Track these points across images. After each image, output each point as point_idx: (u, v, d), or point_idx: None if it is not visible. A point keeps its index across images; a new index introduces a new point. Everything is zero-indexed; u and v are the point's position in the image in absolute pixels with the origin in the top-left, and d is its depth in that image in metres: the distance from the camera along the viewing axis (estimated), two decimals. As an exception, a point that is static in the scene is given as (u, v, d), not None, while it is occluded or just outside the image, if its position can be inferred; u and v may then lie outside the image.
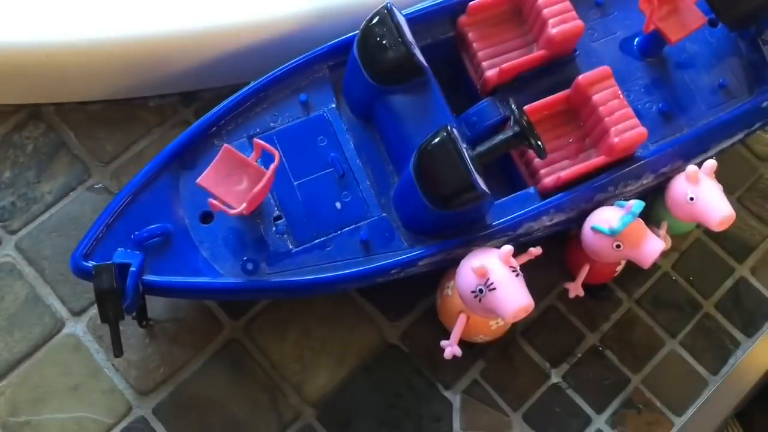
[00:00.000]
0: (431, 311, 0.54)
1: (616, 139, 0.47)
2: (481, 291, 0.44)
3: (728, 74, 0.54)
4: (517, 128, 0.43)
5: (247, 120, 0.51)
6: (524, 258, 0.47)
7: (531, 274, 0.47)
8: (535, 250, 0.47)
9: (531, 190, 0.49)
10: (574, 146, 0.50)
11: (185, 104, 0.59)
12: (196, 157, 0.50)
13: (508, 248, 0.44)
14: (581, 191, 0.49)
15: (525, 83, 0.51)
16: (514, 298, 0.43)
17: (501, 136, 0.44)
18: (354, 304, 0.54)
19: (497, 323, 0.48)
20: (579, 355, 0.54)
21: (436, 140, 0.45)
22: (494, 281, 0.43)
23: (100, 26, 0.54)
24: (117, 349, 0.45)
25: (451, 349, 0.47)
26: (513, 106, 0.44)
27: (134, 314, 0.48)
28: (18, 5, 0.54)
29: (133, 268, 0.45)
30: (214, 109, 0.50)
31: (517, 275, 0.44)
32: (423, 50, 0.50)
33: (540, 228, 0.49)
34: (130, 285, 0.45)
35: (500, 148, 0.44)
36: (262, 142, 0.46)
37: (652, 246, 0.47)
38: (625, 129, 0.47)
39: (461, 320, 0.48)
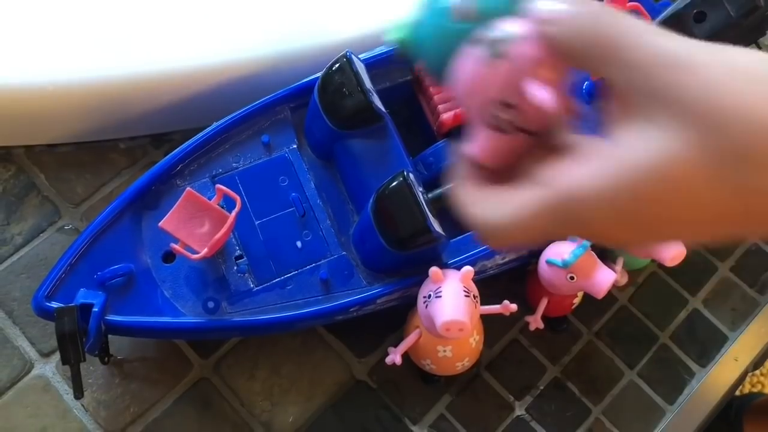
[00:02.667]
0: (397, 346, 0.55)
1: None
2: (429, 296, 0.45)
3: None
4: None
5: (210, 160, 0.52)
6: (498, 309, 0.49)
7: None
8: (511, 306, 0.49)
9: (484, 229, 0.51)
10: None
11: (155, 146, 0.60)
12: (158, 197, 0.51)
13: (468, 269, 0.45)
14: (531, 230, 0.50)
15: (479, 125, 0.52)
16: (449, 310, 0.43)
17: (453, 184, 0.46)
18: (322, 341, 0.55)
19: (444, 352, 0.48)
20: (542, 387, 0.55)
21: (394, 185, 0.46)
22: (442, 290, 0.45)
23: (71, 69, 0.55)
24: (78, 391, 0.46)
25: (393, 356, 0.48)
26: None
27: (96, 352, 0.49)
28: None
29: (95, 309, 0.46)
30: (177, 150, 0.51)
31: (468, 297, 0.45)
32: (381, 93, 0.51)
33: (493, 266, 0.51)
34: (93, 325, 0.45)
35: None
36: (224, 187, 0.47)
37: (604, 276, 0.49)
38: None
39: (415, 333, 0.49)
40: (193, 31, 0.57)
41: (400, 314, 0.52)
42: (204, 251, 0.45)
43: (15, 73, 0.54)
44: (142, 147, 0.60)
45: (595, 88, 0.55)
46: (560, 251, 0.49)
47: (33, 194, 0.58)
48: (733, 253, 0.61)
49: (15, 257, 0.55)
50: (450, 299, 0.44)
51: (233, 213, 0.46)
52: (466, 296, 0.44)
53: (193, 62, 0.56)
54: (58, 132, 0.59)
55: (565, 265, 0.48)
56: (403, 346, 0.49)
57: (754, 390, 1.28)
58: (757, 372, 1.23)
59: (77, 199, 0.58)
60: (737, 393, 1.08)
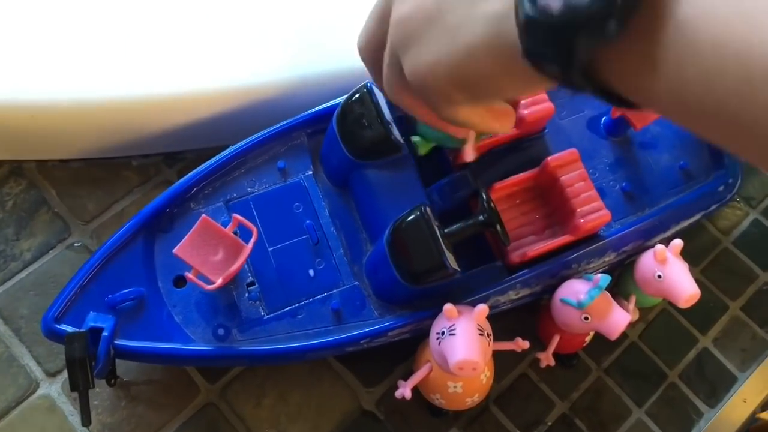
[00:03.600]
0: (406, 378, 0.54)
1: (582, 221, 0.48)
2: (443, 333, 0.45)
3: (688, 157, 0.56)
4: (484, 215, 0.44)
5: (225, 184, 0.52)
6: (510, 346, 0.49)
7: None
8: (524, 344, 0.49)
9: (498, 263, 0.50)
10: (541, 222, 0.51)
11: (168, 164, 0.60)
12: (172, 220, 0.50)
13: (483, 308, 0.45)
14: (546, 268, 0.50)
15: (496, 158, 0.52)
16: (463, 349, 0.43)
17: (469, 221, 0.46)
18: (330, 369, 0.54)
19: (455, 388, 0.48)
20: (549, 423, 0.55)
21: (411, 218, 0.46)
22: (456, 328, 0.44)
23: (87, 86, 0.55)
24: (86, 418, 0.45)
25: (402, 390, 0.48)
26: (483, 194, 0.45)
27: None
28: (2, 64, 0.54)
29: (105, 333, 0.45)
30: (192, 173, 0.51)
31: (482, 335, 0.45)
32: (400, 121, 0.51)
33: (506, 301, 0.50)
34: (102, 350, 0.45)
35: (468, 231, 0.46)
36: (240, 218, 0.47)
37: (619, 318, 0.48)
38: (591, 211, 0.48)
39: (425, 368, 0.49)
40: (212, 53, 0.57)
41: (409, 345, 0.52)
42: (218, 282, 0.45)
43: (31, 89, 0.54)
44: (154, 165, 0.60)
45: (613, 124, 0.55)
46: (575, 290, 0.49)
47: (43, 210, 0.57)
48: (745, 292, 0.61)
49: (23, 273, 0.55)
50: (464, 338, 0.44)
51: (250, 243, 0.45)
52: (480, 335, 0.44)
53: (210, 84, 0.56)
54: (71, 148, 0.58)
55: (581, 306, 0.48)
56: (414, 380, 0.49)
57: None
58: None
59: (88, 216, 0.57)
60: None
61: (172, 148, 0.60)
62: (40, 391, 0.52)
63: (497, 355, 0.51)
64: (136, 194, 0.58)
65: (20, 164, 0.58)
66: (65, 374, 0.51)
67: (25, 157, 0.59)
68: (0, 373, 0.52)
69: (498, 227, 0.45)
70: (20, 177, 0.58)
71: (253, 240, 0.45)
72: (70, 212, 0.57)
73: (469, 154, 0.45)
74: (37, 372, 0.52)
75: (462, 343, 0.43)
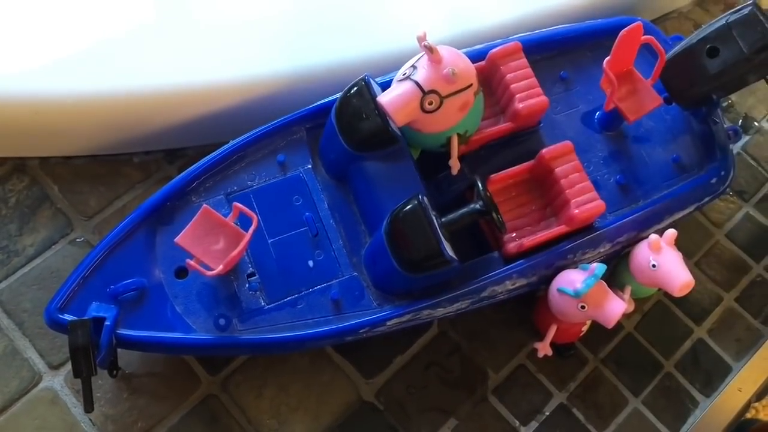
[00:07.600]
0: (406, 368, 0.55)
1: (576, 211, 0.49)
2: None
3: (681, 150, 0.57)
4: (480, 204, 0.45)
5: (225, 178, 0.52)
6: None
7: (501, 333, 0.47)
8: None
9: (495, 254, 0.51)
10: (537, 214, 0.52)
11: (169, 161, 0.60)
12: (173, 213, 0.51)
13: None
14: (542, 258, 0.50)
15: (492, 152, 0.53)
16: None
17: (466, 210, 0.47)
18: (330, 361, 0.55)
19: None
20: (547, 413, 0.56)
21: (408, 208, 0.47)
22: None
23: (89, 83, 0.55)
24: (88, 404, 0.46)
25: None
26: (478, 183, 0.46)
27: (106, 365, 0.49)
28: (5, 61, 0.55)
29: (107, 323, 0.46)
30: (193, 167, 0.52)
31: None
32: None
33: (503, 291, 0.51)
34: (104, 339, 0.45)
35: (465, 220, 0.47)
36: (241, 205, 0.47)
37: (615, 307, 0.49)
38: (585, 201, 0.49)
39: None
40: (213, 49, 0.57)
41: (408, 336, 0.52)
42: (219, 268, 0.45)
43: (33, 85, 0.55)
44: (155, 161, 0.60)
45: (607, 119, 0.56)
46: (572, 279, 0.50)
47: (46, 206, 0.58)
48: (738, 283, 0.62)
49: (26, 268, 0.55)
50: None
51: (250, 231, 0.46)
52: None
53: (211, 80, 0.57)
54: (74, 144, 0.59)
55: (577, 295, 0.49)
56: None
57: (748, 416, 1.27)
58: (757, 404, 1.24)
59: (90, 212, 0.58)
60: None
61: (173, 144, 0.61)
62: (43, 384, 0.52)
63: (494, 346, 0.51)
64: (138, 190, 0.59)
65: (23, 161, 0.59)
66: (68, 367, 0.52)
67: (28, 154, 0.59)
68: (4, 366, 0.52)
69: (494, 215, 0.46)
70: (23, 174, 0.59)
71: (252, 227, 0.46)
72: (72, 208, 0.58)
73: (455, 168, 0.49)
74: (40, 365, 0.53)
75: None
